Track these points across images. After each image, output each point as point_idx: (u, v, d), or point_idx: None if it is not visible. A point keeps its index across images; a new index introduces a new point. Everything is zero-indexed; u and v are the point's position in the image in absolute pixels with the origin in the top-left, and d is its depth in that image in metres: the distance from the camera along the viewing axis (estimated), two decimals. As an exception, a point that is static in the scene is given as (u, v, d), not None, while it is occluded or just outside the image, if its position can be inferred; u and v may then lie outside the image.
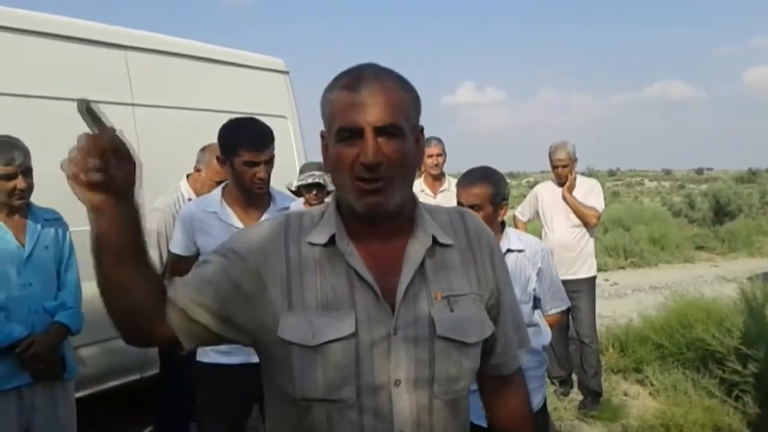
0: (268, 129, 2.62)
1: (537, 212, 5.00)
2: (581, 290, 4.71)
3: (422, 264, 1.22)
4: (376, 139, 1.15)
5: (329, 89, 1.21)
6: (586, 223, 4.74)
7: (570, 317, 4.83)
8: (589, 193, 4.78)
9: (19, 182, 2.60)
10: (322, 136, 1.25)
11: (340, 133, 1.16)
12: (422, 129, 1.28)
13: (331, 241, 1.21)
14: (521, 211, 5.12)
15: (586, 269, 4.78)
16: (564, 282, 4.62)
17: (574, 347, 4.97)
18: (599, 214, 4.80)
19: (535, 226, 5.48)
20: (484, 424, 1.45)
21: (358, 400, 1.16)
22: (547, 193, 4.92)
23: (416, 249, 1.22)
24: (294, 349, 1.16)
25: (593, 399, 4.73)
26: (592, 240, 4.84)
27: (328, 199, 2.31)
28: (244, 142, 2.52)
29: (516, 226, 4.98)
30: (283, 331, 1.17)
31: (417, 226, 1.25)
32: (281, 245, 1.22)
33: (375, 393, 1.16)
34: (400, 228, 1.24)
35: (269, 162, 2.56)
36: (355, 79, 1.18)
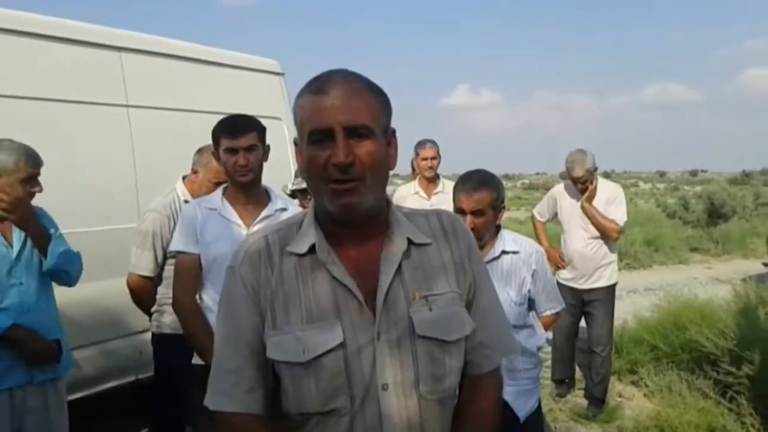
0: (251, 119, 2.67)
1: (555, 213, 4.83)
2: (598, 298, 4.60)
3: (399, 266, 1.23)
4: (347, 140, 1.15)
5: (300, 95, 1.22)
6: (605, 237, 4.53)
7: (585, 324, 4.80)
8: (611, 202, 4.53)
9: (35, 186, 2.71)
10: (296, 143, 1.25)
11: (311, 135, 1.17)
12: (394, 131, 1.28)
13: (311, 249, 1.22)
14: (540, 212, 4.97)
15: (606, 278, 4.59)
16: (582, 291, 4.62)
17: (582, 353, 4.94)
18: (620, 228, 4.53)
19: (551, 230, 5.32)
20: None
21: (352, 407, 1.17)
22: (567, 199, 4.69)
23: (392, 252, 1.23)
24: (284, 367, 1.18)
25: (596, 405, 4.68)
26: (612, 251, 4.63)
27: None
28: (222, 130, 2.60)
29: (535, 227, 4.98)
30: (272, 351, 1.18)
31: (392, 228, 1.26)
32: (267, 268, 1.23)
33: (365, 399, 1.17)
34: (376, 231, 1.25)
35: (250, 149, 2.58)
36: (324, 83, 1.19)
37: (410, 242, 1.26)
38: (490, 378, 1.38)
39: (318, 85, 1.19)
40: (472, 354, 1.34)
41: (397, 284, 1.22)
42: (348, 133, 1.15)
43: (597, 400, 4.69)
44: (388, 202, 1.30)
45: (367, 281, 1.20)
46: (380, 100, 1.23)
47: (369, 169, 1.17)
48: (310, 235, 1.23)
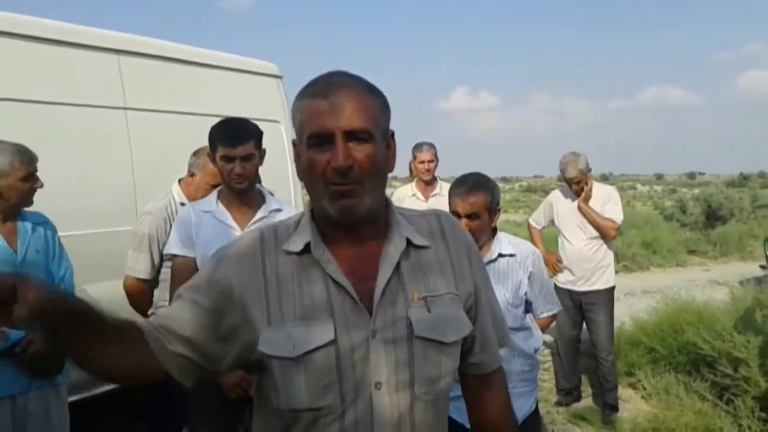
0: (249, 127, 2.64)
1: (552, 221, 4.85)
2: (598, 302, 4.61)
3: (398, 266, 1.24)
4: (346, 143, 1.16)
5: (299, 97, 1.22)
6: (603, 236, 4.58)
7: (587, 329, 4.79)
8: (607, 202, 4.59)
9: (36, 182, 2.71)
10: (294, 144, 1.26)
11: (311, 139, 1.18)
12: (393, 134, 1.29)
13: (307, 248, 1.22)
14: (536, 219, 4.98)
15: (603, 281, 4.62)
16: (581, 293, 4.63)
17: (586, 358, 4.92)
18: (618, 226, 4.61)
19: (547, 235, 5.33)
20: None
21: (342, 405, 1.17)
22: (563, 203, 4.75)
23: (391, 252, 1.24)
24: (275, 362, 1.18)
25: (609, 412, 4.65)
26: (610, 251, 4.68)
27: None
28: (219, 138, 2.59)
29: (531, 234, 4.95)
30: (264, 346, 1.18)
31: (391, 229, 1.27)
32: (258, 261, 1.23)
33: (357, 397, 1.18)
34: (375, 232, 1.26)
35: (246, 158, 2.58)
36: (323, 86, 1.20)
37: (409, 243, 1.26)
38: (500, 374, 1.43)
39: (317, 88, 1.20)
40: (480, 355, 1.37)
41: (395, 284, 1.22)
42: (347, 137, 1.16)
43: (611, 407, 4.66)
44: (387, 203, 1.31)
45: (364, 281, 1.21)
46: (379, 102, 1.24)
47: (368, 173, 1.18)
48: (306, 234, 1.23)
